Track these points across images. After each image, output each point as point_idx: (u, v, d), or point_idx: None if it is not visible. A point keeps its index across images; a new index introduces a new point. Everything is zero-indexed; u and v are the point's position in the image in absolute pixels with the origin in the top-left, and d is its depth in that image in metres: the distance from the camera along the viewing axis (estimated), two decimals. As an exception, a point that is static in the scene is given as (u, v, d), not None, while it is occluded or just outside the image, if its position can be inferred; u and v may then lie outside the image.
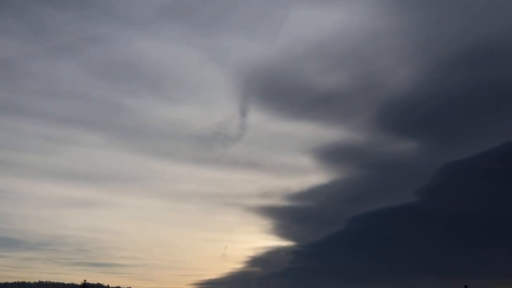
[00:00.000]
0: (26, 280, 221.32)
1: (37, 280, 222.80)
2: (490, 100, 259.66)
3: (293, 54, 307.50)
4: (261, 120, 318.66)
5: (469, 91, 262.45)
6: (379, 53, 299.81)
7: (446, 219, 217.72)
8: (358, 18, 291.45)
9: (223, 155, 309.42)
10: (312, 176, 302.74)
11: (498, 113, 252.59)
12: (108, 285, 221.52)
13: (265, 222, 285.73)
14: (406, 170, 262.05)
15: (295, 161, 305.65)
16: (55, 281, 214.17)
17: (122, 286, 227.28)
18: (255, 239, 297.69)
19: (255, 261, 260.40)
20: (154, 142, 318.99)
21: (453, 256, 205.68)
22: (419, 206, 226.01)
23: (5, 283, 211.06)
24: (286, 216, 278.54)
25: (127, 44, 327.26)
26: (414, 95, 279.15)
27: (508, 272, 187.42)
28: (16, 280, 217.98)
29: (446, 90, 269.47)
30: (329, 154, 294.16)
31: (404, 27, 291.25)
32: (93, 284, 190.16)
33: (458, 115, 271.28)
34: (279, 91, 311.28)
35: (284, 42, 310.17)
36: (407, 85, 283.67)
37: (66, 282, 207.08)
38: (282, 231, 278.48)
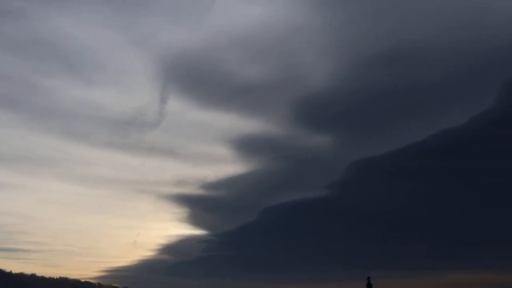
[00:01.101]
0: None
1: None
2: (405, 101, 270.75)
3: (216, 44, 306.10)
4: (180, 108, 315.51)
5: (386, 91, 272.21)
6: (301, 48, 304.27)
7: (355, 213, 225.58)
8: (283, 12, 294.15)
9: (139, 141, 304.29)
10: (228, 166, 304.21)
11: (411, 114, 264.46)
12: (10, 271, 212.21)
13: (179, 210, 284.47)
14: (320, 164, 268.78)
15: (212, 150, 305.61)
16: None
17: (25, 273, 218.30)
18: (168, 227, 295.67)
19: (167, 249, 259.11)
20: (69, 124, 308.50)
21: (360, 248, 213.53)
22: (330, 200, 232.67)
23: None
24: (200, 205, 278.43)
25: (44, 21, 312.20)
26: (332, 91, 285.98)
27: (410, 266, 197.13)
28: None
29: (363, 89, 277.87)
30: (246, 145, 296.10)
31: (327, 24, 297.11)
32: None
33: (373, 113, 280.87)
34: (201, 79, 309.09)
35: (208, 31, 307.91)
36: (326, 81, 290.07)
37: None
38: (195, 220, 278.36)
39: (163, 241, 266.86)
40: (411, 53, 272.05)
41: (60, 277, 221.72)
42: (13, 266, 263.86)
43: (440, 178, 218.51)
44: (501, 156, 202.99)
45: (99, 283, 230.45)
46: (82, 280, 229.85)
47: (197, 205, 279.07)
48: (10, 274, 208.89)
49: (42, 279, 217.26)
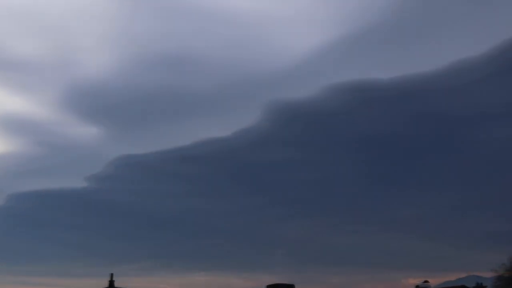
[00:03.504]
0: None
1: None
2: (177, 105, 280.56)
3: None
4: None
5: (160, 93, 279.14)
6: (81, 32, 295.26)
7: (112, 208, 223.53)
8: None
9: None
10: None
11: (181, 118, 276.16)
12: None
13: None
14: (83, 155, 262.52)
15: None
16: None
17: None
18: None
19: None
20: None
21: (109, 244, 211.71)
22: (87, 193, 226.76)
23: None
24: None
25: None
26: (107, 83, 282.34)
27: (156, 266, 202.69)
28: None
29: (139, 86, 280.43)
30: (6, 124, 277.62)
31: (114, 15, 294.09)
32: None
33: (144, 112, 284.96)
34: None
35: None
36: (102, 72, 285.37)
37: None
38: None
39: None
40: (191, 60, 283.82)
41: None
42: None
43: (198, 183, 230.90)
44: (258, 171, 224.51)
45: None
46: None
47: None
48: None
49: None
